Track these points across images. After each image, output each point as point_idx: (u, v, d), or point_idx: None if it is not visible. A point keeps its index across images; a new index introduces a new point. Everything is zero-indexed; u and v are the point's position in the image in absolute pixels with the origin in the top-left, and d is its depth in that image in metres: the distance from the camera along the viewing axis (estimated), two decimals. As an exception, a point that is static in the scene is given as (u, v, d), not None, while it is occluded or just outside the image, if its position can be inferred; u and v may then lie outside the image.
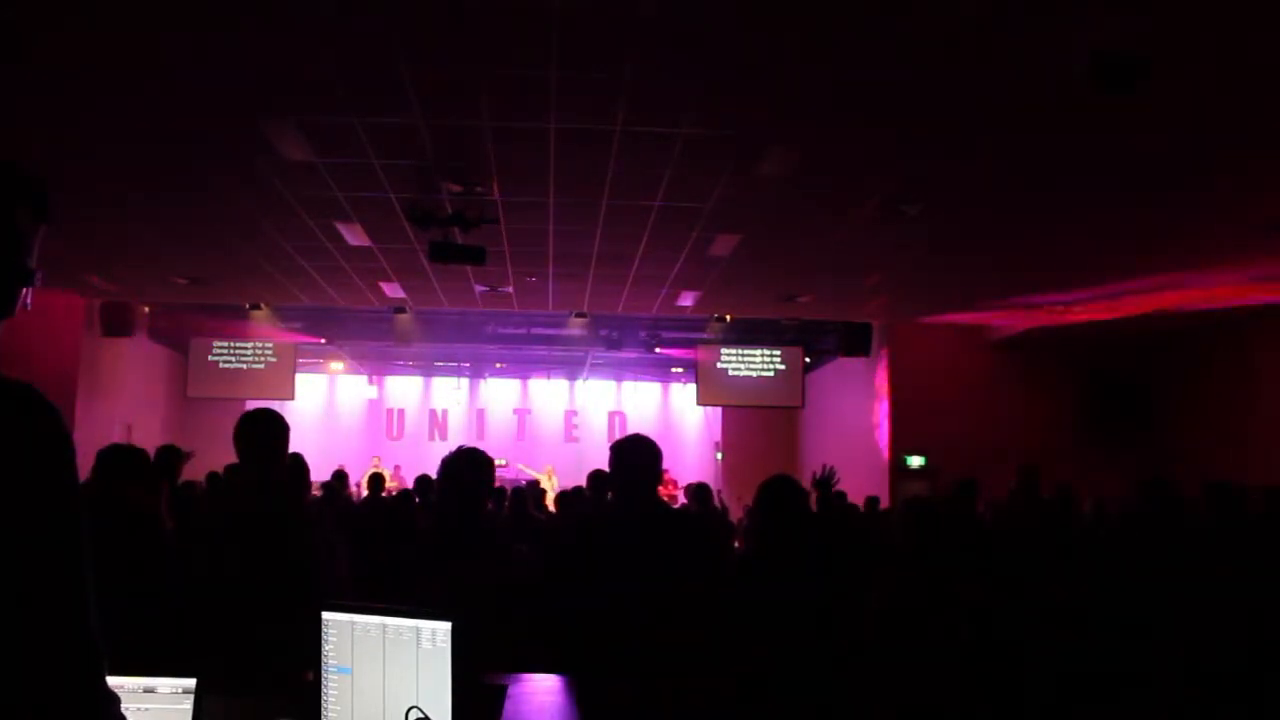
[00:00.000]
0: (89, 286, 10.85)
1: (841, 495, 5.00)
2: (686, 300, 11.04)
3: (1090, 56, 4.37)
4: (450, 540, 3.25)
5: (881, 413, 13.21)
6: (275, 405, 5.63)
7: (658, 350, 14.33)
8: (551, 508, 9.72)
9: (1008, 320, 11.87)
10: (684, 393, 18.29)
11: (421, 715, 2.01)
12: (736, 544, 8.04)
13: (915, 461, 12.69)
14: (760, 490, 3.53)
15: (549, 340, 13.93)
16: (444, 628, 2.03)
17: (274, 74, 5.01)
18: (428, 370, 18.60)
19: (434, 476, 3.66)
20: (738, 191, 6.88)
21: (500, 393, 19.10)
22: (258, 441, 3.22)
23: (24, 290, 1.19)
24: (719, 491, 12.26)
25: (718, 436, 18.29)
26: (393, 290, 10.81)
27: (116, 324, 11.99)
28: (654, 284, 10.21)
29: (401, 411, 19.08)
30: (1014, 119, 5.38)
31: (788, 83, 5.01)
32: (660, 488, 3.66)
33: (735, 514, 10.81)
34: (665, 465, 3.78)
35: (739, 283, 10.00)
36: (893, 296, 10.85)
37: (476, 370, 18.46)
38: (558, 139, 5.90)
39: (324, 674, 2.13)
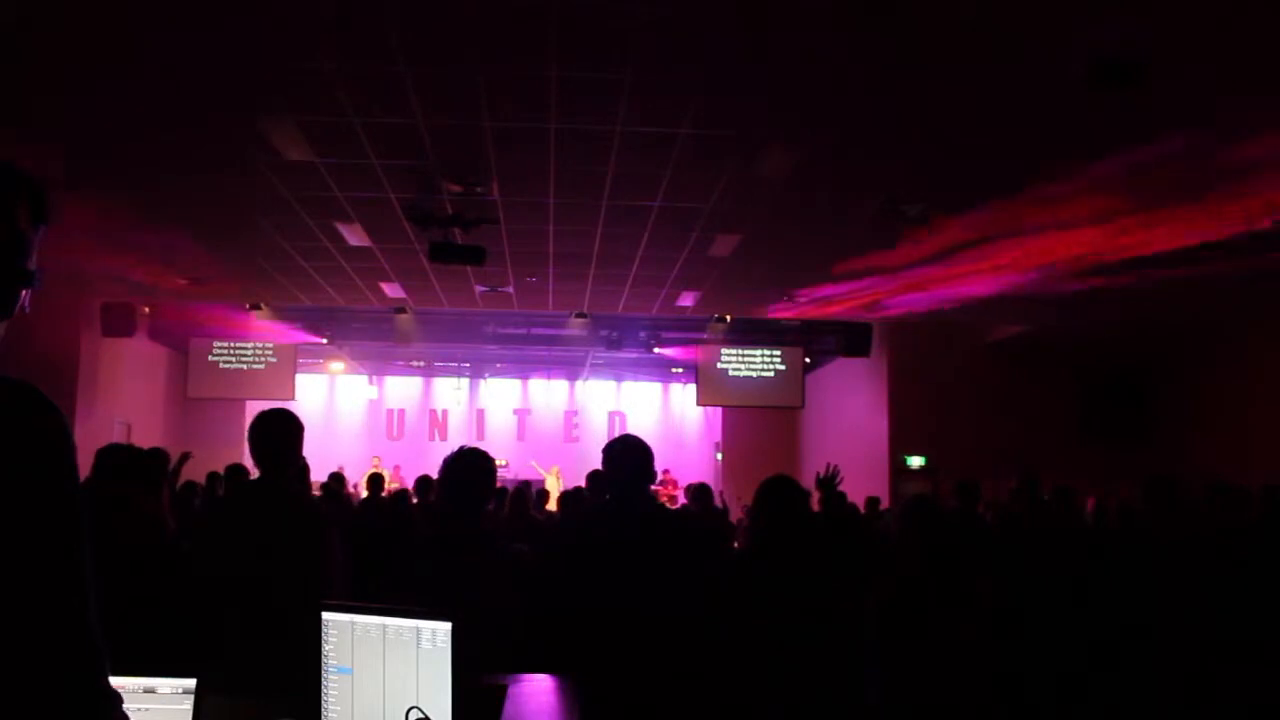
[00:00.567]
0: (89, 286, 10.83)
1: (842, 496, 4.99)
2: (686, 300, 11.03)
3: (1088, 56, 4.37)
4: (451, 540, 3.25)
5: (881, 413, 13.22)
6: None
7: (657, 350, 14.32)
8: (555, 508, 9.72)
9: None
10: (684, 393, 18.30)
11: (421, 715, 2.01)
12: (736, 544, 8.03)
13: (915, 461, 12.69)
14: (760, 490, 3.53)
15: (549, 340, 13.91)
16: (444, 628, 2.03)
17: (274, 73, 5.01)
18: (428, 370, 18.61)
19: (434, 477, 3.66)
20: (738, 191, 6.88)
21: (500, 393, 19.11)
22: (274, 442, 3.21)
23: (24, 292, 1.19)
24: (719, 491, 12.28)
25: (718, 436, 18.29)
26: (393, 290, 10.80)
27: (116, 324, 11.97)
28: (654, 284, 10.20)
29: (401, 412, 19.08)
30: (1013, 119, 5.38)
31: (788, 83, 5.01)
32: (660, 488, 3.67)
33: (735, 514, 10.80)
34: (665, 465, 3.79)
35: (739, 283, 9.99)
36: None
37: (476, 370, 18.46)
38: (558, 139, 5.90)
39: (324, 674, 2.14)
